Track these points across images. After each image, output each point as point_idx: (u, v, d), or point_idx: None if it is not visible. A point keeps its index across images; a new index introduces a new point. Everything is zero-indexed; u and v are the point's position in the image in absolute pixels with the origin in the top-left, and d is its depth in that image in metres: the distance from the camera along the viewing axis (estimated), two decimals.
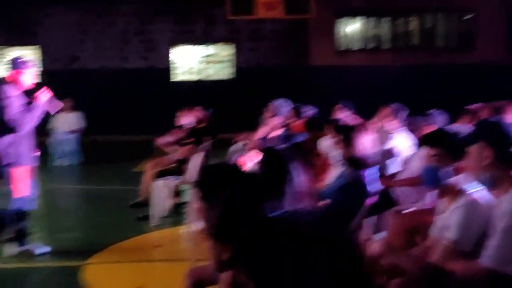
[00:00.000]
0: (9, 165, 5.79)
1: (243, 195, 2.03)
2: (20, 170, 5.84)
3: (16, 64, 5.87)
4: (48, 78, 17.36)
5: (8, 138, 5.73)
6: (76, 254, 6.09)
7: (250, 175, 2.69)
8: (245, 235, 1.91)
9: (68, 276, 5.44)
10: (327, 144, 5.65)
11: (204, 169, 2.82)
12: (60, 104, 6.05)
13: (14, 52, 17.67)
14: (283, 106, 6.93)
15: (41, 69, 17.59)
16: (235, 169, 2.64)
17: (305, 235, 1.90)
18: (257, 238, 1.90)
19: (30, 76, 5.79)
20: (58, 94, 15.26)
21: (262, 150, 3.23)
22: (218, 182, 2.53)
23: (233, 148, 7.81)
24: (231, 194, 2.08)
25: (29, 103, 5.80)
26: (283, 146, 3.18)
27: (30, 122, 5.72)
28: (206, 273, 3.52)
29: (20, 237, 6.02)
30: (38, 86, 5.92)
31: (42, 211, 8.69)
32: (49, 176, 11.74)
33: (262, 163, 2.99)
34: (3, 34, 17.46)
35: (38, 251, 6.05)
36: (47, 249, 6.12)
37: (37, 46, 17.65)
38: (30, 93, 5.87)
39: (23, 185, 5.86)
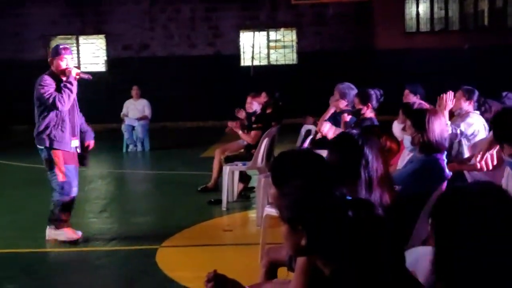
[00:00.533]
0: (51, 148, 5.89)
1: (320, 181, 2.06)
2: (62, 154, 5.92)
3: (52, 51, 6.12)
4: (118, 66, 17.81)
5: (50, 121, 5.85)
6: (151, 238, 6.28)
7: (325, 160, 2.73)
8: (321, 220, 1.94)
9: (144, 258, 5.63)
10: (397, 128, 5.63)
11: (279, 155, 2.88)
12: (88, 76, 6.08)
13: (86, 41, 18.17)
14: (350, 89, 6.88)
15: (111, 57, 18.02)
16: (310, 155, 2.69)
17: (382, 221, 1.93)
18: (333, 223, 1.93)
19: (65, 63, 5.91)
20: (128, 82, 15.71)
21: (336, 136, 3.26)
22: (293, 168, 2.59)
23: (302, 131, 7.85)
24: (307, 180, 2.11)
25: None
26: (356, 130, 3.18)
27: (67, 97, 5.76)
28: (282, 254, 3.60)
29: (54, 221, 6.06)
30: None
31: (116, 195, 8.99)
32: (121, 162, 12.10)
33: (336, 148, 3.02)
34: (75, 23, 17.95)
35: (63, 237, 6.05)
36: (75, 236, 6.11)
37: (107, 35, 18.07)
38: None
39: (64, 169, 5.94)
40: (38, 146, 5.98)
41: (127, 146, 12.76)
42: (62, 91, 5.74)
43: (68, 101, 5.77)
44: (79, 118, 6.20)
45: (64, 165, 5.93)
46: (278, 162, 2.79)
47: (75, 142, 6.04)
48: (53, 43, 18.04)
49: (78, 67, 6.07)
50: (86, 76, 6.05)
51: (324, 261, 1.99)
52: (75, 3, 17.81)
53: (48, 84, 5.78)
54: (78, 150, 6.11)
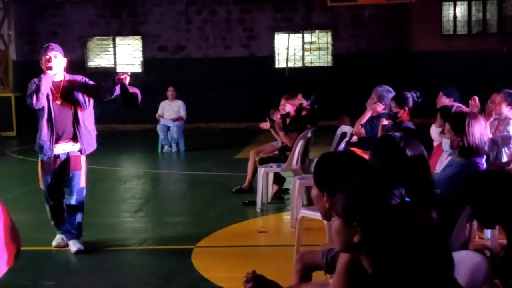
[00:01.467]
0: (81, 151, 5.79)
1: (372, 181, 2.07)
2: (40, 163, 5.78)
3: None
4: (154, 67, 17.96)
5: (38, 124, 5.67)
6: (186, 238, 6.32)
7: (367, 162, 2.72)
8: (378, 219, 1.94)
9: (179, 258, 5.66)
10: (435, 132, 5.57)
11: (323, 156, 2.87)
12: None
13: (122, 42, 18.37)
14: (388, 92, 6.82)
15: (147, 58, 18.18)
16: (354, 156, 2.68)
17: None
18: (390, 223, 1.93)
19: (43, 62, 5.65)
20: (164, 83, 15.87)
21: (377, 138, 3.25)
22: (337, 169, 2.58)
23: (338, 133, 7.81)
24: (360, 178, 2.11)
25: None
26: (397, 133, 3.15)
27: (33, 92, 5.52)
28: (316, 258, 3.60)
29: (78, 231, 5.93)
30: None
31: (151, 195, 9.07)
32: (156, 162, 12.19)
33: (378, 150, 3.01)
34: (112, 24, 18.16)
35: (75, 248, 5.84)
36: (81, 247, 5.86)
37: (143, 36, 18.24)
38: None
39: (42, 178, 5.79)
40: None
41: (162, 147, 12.86)
42: (33, 89, 5.55)
43: (36, 97, 5.50)
44: (84, 118, 5.78)
45: (42, 175, 5.77)
46: (322, 163, 2.79)
47: (60, 147, 5.72)
48: (90, 44, 18.31)
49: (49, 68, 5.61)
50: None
51: (371, 260, 1.99)
52: (112, 4, 18.02)
53: (30, 85, 5.61)
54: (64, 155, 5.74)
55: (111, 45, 18.31)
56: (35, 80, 5.63)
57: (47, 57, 5.66)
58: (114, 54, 18.30)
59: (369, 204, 1.98)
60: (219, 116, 17.71)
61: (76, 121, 5.73)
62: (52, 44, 5.81)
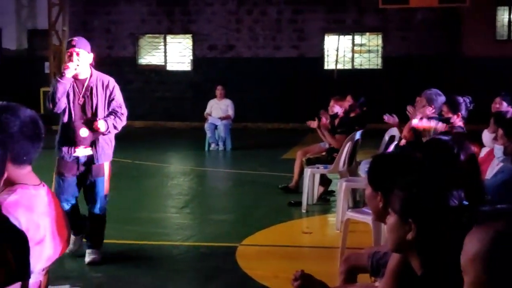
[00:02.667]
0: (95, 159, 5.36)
1: (433, 179, 2.07)
2: (57, 160, 5.40)
3: None
4: (204, 66, 18.10)
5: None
6: (231, 235, 6.36)
7: (423, 163, 2.70)
8: (436, 219, 1.94)
9: (224, 255, 5.71)
10: (487, 137, 5.47)
11: (378, 157, 2.87)
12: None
13: (173, 40, 18.57)
14: (437, 96, 6.71)
15: (197, 56, 18.33)
16: (411, 157, 2.66)
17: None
18: (446, 224, 1.92)
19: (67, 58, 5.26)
20: (212, 81, 15.97)
21: (427, 142, 3.22)
22: (395, 169, 2.56)
23: (386, 137, 7.74)
24: (422, 176, 2.11)
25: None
26: (447, 137, 3.12)
27: (51, 96, 5.18)
28: (362, 260, 3.58)
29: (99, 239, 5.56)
30: None
31: (197, 192, 9.14)
32: (203, 160, 12.29)
33: (430, 153, 2.98)
34: (163, 23, 18.37)
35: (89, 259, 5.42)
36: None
37: (194, 35, 18.39)
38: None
39: (54, 178, 5.38)
40: None
41: (209, 145, 12.95)
42: (51, 92, 5.19)
43: (52, 102, 5.13)
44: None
45: (56, 176, 5.34)
46: (377, 163, 2.78)
47: (80, 151, 5.29)
48: (142, 42, 18.55)
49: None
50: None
51: (422, 260, 1.99)
52: (164, 2, 18.23)
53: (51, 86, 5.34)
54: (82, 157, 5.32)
55: (162, 43, 18.51)
56: (54, 81, 5.37)
57: (68, 53, 5.23)
58: (165, 52, 18.50)
59: (428, 202, 1.98)
60: (267, 116, 17.73)
61: (92, 127, 5.25)
62: (76, 38, 5.28)
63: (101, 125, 5.21)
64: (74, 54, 5.13)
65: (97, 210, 5.46)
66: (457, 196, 1.98)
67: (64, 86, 5.11)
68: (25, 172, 2.42)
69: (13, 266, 2.06)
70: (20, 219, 2.26)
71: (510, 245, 1.50)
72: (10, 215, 2.26)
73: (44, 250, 2.37)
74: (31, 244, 2.26)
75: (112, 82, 5.30)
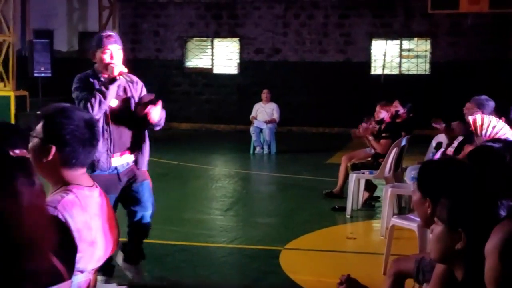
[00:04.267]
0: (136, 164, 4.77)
1: (483, 188, 2.04)
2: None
3: (94, 42, 4.80)
4: (250, 69, 18.18)
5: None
6: (274, 239, 6.38)
7: (473, 170, 2.67)
8: (481, 229, 1.92)
9: (268, 259, 5.73)
10: None
11: (427, 163, 2.85)
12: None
13: (220, 44, 18.70)
14: (486, 101, 6.61)
15: (244, 60, 18.41)
16: (462, 164, 2.62)
17: None
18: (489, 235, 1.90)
19: (109, 56, 4.66)
20: (259, 85, 16.03)
21: (475, 149, 3.18)
22: (446, 175, 2.53)
23: (433, 143, 7.66)
24: (472, 184, 2.09)
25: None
26: (498, 144, 3.07)
27: (97, 103, 4.46)
28: (410, 265, 3.56)
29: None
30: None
31: (241, 195, 9.19)
32: (247, 163, 12.34)
33: (479, 161, 2.95)
34: (211, 26, 18.51)
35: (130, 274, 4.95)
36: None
37: (241, 38, 18.49)
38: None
39: None
40: None
41: (254, 148, 13.00)
42: (93, 95, 4.45)
43: (98, 107, 4.42)
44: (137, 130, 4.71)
45: None
46: (427, 169, 2.74)
47: (117, 160, 4.61)
48: (189, 45, 18.74)
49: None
50: (128, 78, 4.64)
51: (467, 269, 1.97)
52: (212, 6, 18.38)
53: (78, 86, 4.59)
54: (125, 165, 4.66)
55: (209, 46, 18.66)
56: (79, 80, 4.59)
57: (107, 50, 4.61)
58: (212, 55, 18.64)
59: (476, 212, 1.96)
60: (312, 120, 17.70)
61: (131, 129, 4.70)
62: (112, 33, 4.75)
63: (156, 113, 4.57)
64: (114, 50, 4.61)
65: (148, 218, 4.84)
66: (506, 206, 1.96)
67: (114, 89, 4.53)
68: (78, 174, 2.47)
69: (60, 268, 2.09)
70: (76, 219, 2.31)
71: None
72: (66, 213, 2.32)
73: (95, 251, 2.43)
74: (83, 245, 2.31)
75: (137, 79, 4.82)
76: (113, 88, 4.51)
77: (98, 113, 4.44)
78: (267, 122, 13.05)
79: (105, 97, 4.46)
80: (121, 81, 4.59)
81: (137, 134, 4.70)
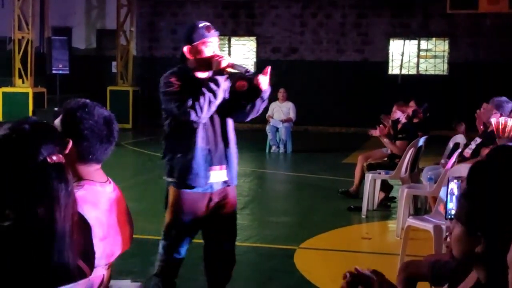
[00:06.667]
0: (170, 182, 4.05)
1: (496, 192, 2.00)
2: (181, 196, 3.94)
3: (187, 34, 3.94)
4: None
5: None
6: (289, 238, 6.37)
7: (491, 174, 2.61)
8: (500, 233, 1.88)
9: (282, 258, 5.72)
10: None
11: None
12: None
13: (237, 42, 18.71)
14: (507, 103, 6.55)
15: (261, 59, 18.42)
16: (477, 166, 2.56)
17: None
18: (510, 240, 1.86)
19: (211, 49, 3.88)
20: (275, 84, 16.00)
21: (495, 148, 3.13)
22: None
23: (450, 144, 7.61)
24: (487, 187, 2.05)
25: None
26: None
27: (207, 103, 3.72)
28: (421, 268, 3.54)
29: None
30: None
31: (257, 194, 9.19)
32: (263, 162, 12.34)
33: (497, 162, 2.90)
34: (229, 25, 18.53)
35: None
36: None
37: (258, 37, 18.49)
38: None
39: (176, 216, 4.05)
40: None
41: (270, 147, 13.00)
42: (201, 94, 3.69)
43: (208, 109, 3.71)
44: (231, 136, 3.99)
45: (181, 211, 3.90)
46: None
47: (216, 175, 3.89)
48: None
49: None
50: (242, 69, 3.87)
51: (490, 272, 1.93)
52: (230, 5, 18.40)
53: (174, 84, 3.79)
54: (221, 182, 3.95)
55: (227, 45, 18.68)
56: (173, 78, 3.83)
57: (209, 43, 3.85)
58: (229, 53, 18.65)
59: (494, 215, 1.91)
60: (329, 119, 17.66)
61: (225, 137, 3.94)
62: (208, 23, 3.92)
63: (266, 79, 3.95)
64: (217, 42, 3.91)
65: (233, 245, 4.20)
66: None
67: (226, 83, 3.87)
68: (92, 170, 2.49)
69: (82, 265, 2.15)
70: (87, 215, 2.33)
71: None
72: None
73: (107, 246, 2.44)
74: (95, 240, 2.34)
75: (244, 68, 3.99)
76: (224, 85, 3.80)
77: (206, 117, 3.76)
78: (283, 121, 13.04)
79: (215, 96, 3.72)
80: (223, 80, 3.80)
81: (231, 143, 3.96)
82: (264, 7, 18.31)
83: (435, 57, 17.96)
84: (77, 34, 19.12)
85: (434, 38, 17.89)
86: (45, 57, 16.30)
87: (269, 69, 3.95)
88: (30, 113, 14.90)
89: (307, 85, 17.53)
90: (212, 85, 3.73)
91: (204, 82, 3.76)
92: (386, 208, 7.87)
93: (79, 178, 2.46)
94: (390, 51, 17.97)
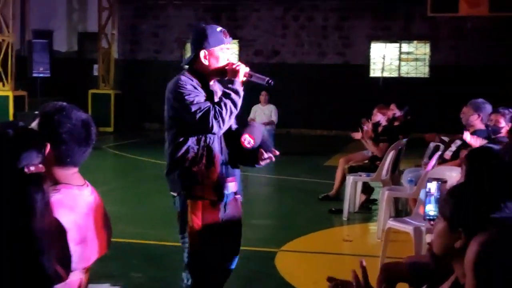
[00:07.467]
0: (189, 194, 3.70)
1: (477, 190, 2.03)
2: (202, 207, 3.66)
3: (200, 38, 3.67)
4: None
5: (190, 149, 3.60)
6: (270, 241, 6.38)
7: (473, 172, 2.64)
8: (481, 230, 1.91)
9: (263, 260, 5.72)
10: None
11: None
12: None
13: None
14: (483, 104, 6.59)
15: (243, 62, 18.41)
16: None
17: None
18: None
19: (226, 56, 3.70)
20: (257, 87, 16.00)
21: (477, 149, 3.16)
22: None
23: (431, 146, 7.65)
24: (474, 184, 2.08)
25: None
26: (497, 146, 3.07)
27: (229, 113, 3.55)
28: (401, 270, 3.55)
29: None
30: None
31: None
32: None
33: (479, 162, 2.93)
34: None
35: None
36: None
37: (241, 40, 18.49)
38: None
39: (200, 230, 3.69)
40: (170, 191, 3.72)
41: None
42: (222, 103, 3.50)
43: (228, 120, 3.53)
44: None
45: (203, 224, 3.61)
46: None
47: (231, 187, 3.67)
48: (188, 46, 18.74)
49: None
50: (263, 81, 3.68)
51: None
52: (212, 8, 18.39)
53: (191, 92, 3.51)
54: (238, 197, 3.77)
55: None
56: (188, 83, 3.54)
57: (227, 49, 3.70)
58: None
59: (476, 212, 1.95)
60: (310, 122, 17.71)
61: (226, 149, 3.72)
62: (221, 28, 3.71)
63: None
64: (231, 50, 3.76)
65: (235, 264, 3.95)
66: (511, 207, 1.94)
67: (242, 94, 3.62)
68: (70, 173, 2.47)
69: (60, 270, 2.14)
70: (62, 219, 2.31)
71: (495, 253, 1.54)
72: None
73: (84, 250, 2.42)
74: (71, 244, 2.32)
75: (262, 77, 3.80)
76: (242, 94, 3.59)
77: (226, 127, 3.57)
78: (265, 124, 13.03)
79: (236, 107, 3.53)
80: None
81: (230, 154, 3.71)
82: (246, 10, 18.32)
83: (416, 60, 18.08)
84: (58, 37, 19.01)
85: (415, 41, 18.00)
86: (26, 60, 16.18)
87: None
88: (11, 117, 14.77)
89: (289, 88, 17.55)
90: (234, 96, 3.53)
91: (224, 92, 3.57)
92: (367, 210, 7.90)
93: (56, 181, 2.44)
94: (372, 54, 18.06)
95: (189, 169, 3.55)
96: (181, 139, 3.55)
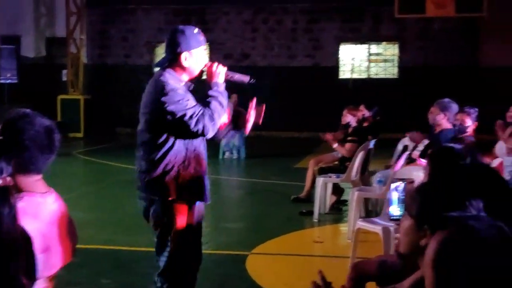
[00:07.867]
0: (178, 198, 3.69)
1: (450, 187, 2.06)
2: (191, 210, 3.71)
3: (180, 39, 3.61)
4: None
5: (178, 153, 3.59)
6: (241, 244, 6.37)
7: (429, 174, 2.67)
8: (440, 227, 1.93)
9: (234, 264, 5.72)
10: (501, 148, 5.44)
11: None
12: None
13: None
14: (449, 103, 6.67)
15: None
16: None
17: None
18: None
19: (205, 58, 3.74)
20: (228, 90, 16.03)
21: (436, 151, 3.21)
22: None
23: (399, 146, 7.72)
24: (439, 183, 2.11)
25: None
26: (458, 145, 3.12)
27: (218, 116, 3.56)
28: (370, 268, 3.58)
29: None
30: None
31: (211, 201, 9.16)
32: (216, 168, 12.30)
33: (439, 163, 2.97)
34: None
35: None
36: None
37: (211, 43, 18.46)
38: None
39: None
40: (146, 194, 3.69)
41: (223, 153, 12.99)
42: (213, 106, 3.49)
43: (218, 121, 3.53)
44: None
45: (187, 226, 3.63)
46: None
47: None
48: (158, 50, 18.66)
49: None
50: (245, 80, 3.83)
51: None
52: (181, 12, 18.35)
53: (184, 96, 3.49)
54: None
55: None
56: (175, 86, 3.50)
57: (205, 50, 3.75)
58: None
59: (440, 210, 1.97)
60: (281, 124, 17.73)
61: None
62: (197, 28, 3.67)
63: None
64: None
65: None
66: (476, 206, 1.97)
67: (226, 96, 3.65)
68: (32, 180, 2.45)
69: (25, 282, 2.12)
70: (26, 227, 2.29)
71: (453, 251, 1.57)
72: None
73: (49, 258, 2.40)
74: (36, 252, 2.29)
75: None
76: (226, 95, 3.62)
77: (216, 129, 3.55)
78: None
79: (224, 109, 3.55)
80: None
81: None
82: (216, 14, 18.31)
83: (385, 61, 18.25)
84: (26, 42, 18.78)
85: (384, 42, 18.17)
86: None
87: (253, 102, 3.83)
88: None
89: (260, 91, 17.54)
90: (221, 98, 3.53)
91: (211, 95, 3.53)
92: (337, 211, 7.93)
93: (19, 189, 2.41)
94: (341, 56, 18.17)
95: (177, 173, 3.51)
96: (167, 143, 3.49)
